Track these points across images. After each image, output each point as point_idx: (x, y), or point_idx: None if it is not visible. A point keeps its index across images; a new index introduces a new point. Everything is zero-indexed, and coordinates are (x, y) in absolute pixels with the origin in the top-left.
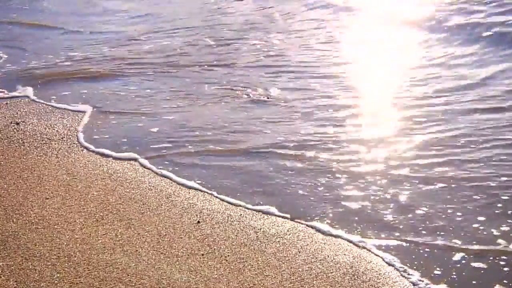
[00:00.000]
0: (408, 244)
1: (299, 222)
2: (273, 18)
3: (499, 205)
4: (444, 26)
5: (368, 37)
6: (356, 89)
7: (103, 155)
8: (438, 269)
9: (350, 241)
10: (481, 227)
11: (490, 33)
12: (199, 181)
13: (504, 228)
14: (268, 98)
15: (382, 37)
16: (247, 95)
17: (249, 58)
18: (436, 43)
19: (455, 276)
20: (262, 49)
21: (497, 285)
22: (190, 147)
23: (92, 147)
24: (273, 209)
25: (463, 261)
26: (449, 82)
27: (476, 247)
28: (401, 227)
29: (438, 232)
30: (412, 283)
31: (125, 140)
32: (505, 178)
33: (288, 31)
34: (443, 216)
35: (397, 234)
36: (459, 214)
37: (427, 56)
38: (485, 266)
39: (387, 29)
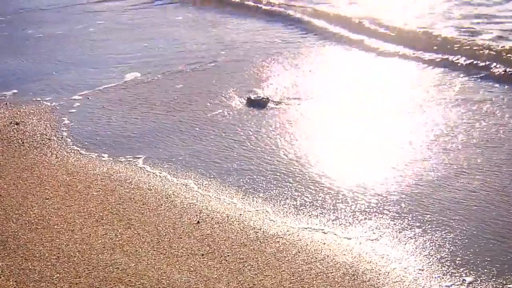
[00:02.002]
0: (408, 244)
1: (298, 223)
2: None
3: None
4: None
5: None
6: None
7: (101, 156)
8: (438, 268)
9: (349, 239)
10: (482, 224)
11: None
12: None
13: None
14: (266, 99)
15: None
16: (247, 98)
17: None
18: None
19: (456, 275)
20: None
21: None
22: (188, 148)
23: (90, 147)
24: (269, 210)
25: (463, 261)
26: None
27: (479, 239)
28: (401, 227)
29: (438, 232)
30: (412, 283)
31: (124, 140)
32: None
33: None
34: (443, 216)
35: (397, 233)
36: (458, 214)
37: None
38: (489, 263)
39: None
